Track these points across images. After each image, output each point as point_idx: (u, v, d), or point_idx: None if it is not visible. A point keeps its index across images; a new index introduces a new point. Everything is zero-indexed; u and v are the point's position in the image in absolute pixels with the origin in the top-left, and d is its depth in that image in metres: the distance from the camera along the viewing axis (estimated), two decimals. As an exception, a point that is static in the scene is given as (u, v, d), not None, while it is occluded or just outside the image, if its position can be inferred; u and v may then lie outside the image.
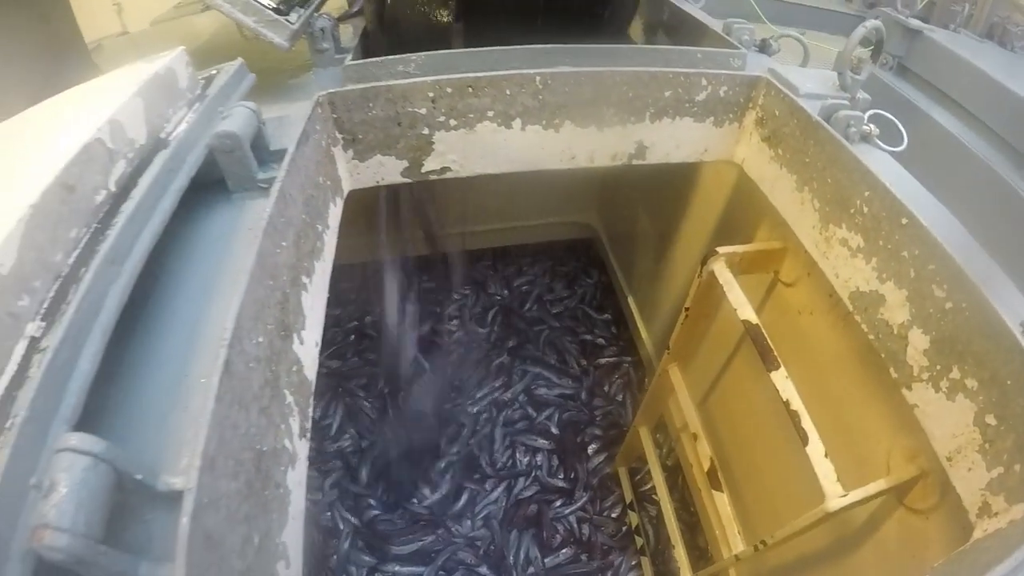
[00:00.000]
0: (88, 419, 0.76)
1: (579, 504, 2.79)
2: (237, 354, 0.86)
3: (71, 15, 2.22)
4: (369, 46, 1.93)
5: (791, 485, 1.77)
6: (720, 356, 2.12)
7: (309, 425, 1.13)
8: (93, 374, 0.78)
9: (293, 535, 0.99)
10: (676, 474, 2.61)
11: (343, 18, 2.06)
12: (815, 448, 1.33)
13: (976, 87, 2.23)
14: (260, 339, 0.96)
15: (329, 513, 2.73)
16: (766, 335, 1.50)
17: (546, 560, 2.65)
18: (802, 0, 4.12)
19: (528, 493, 2.84)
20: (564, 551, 2.68)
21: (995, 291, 1.11)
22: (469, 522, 2.74)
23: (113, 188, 0.98)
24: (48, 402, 0.72)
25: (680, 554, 2.22)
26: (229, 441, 0.80)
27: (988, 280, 1.13)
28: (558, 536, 2.72)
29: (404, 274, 2.89)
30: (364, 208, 2.53)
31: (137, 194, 1.00)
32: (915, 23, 2.55)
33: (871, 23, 1.53)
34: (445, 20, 1.93)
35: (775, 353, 1.46)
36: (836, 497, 1.27)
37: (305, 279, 1.22)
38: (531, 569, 2.64)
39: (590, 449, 3.00)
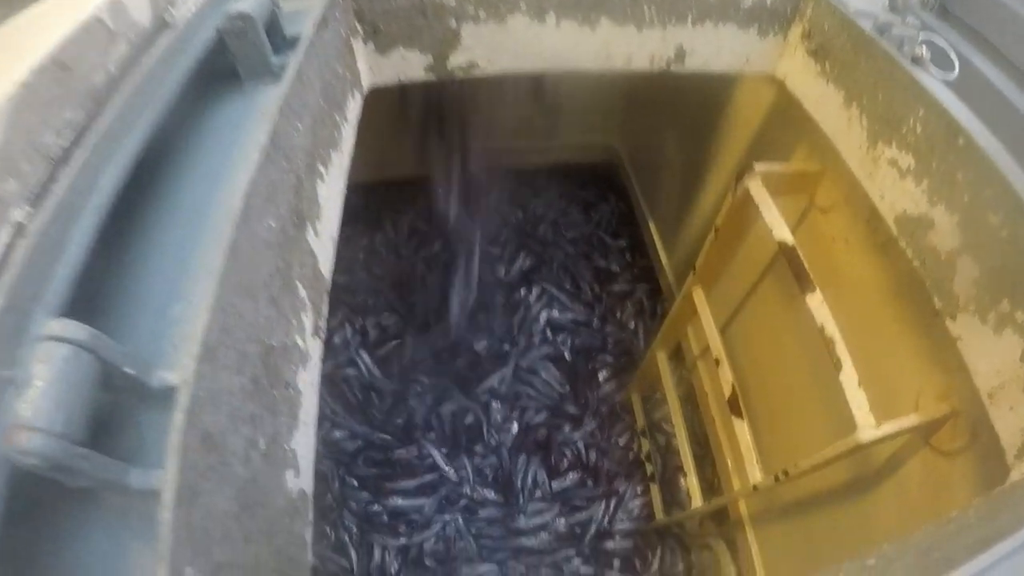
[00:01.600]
0: (79, 310, 0.69)
1: (587, 430, 2.78)
2: (245, 236, 0.79)
3: None
4: None
5: (815, 416, 1.72)
6: (746, 281, 2.05)
7: (324, 325, 1.08)
8: (83, 259, 0.72)
9: (304, 442, 0.94)
10: (686, 405, 2.56)
11: None
12: (849, 376, 1.26)
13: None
14: (271, 223, 0.89)
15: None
16: (801, 257, 1.42)
17: (553, 483, 2.65)
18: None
19: (538, 419, 2.81)
20: (571, 475, 2.67)
21: None
22: (480, 449, 2.75)
23: (113, 70, 0.90)
24: (30, 288, 0.66)
25: (692, 482, 2.20)
26: (233, 330, 0.74)
27: None
28: (565, 461, 2.72)
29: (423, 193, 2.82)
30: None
31: (139, 74, 0.92)
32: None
33: None
34: None
35: (811, 276, 1.39)
36: (869, 428, 1.21)
37: (322, 168, 1.15)
38: (538, 492, 2.64)
39: (600, 376, 2.96)
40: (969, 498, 1.22)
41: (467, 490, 2.62)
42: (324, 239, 1.14)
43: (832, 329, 1.32)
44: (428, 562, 2.50)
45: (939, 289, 1.17)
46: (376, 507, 2.56)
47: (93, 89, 0.85)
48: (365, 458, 2.67)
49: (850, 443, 1.25)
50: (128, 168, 0.83)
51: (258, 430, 0.80)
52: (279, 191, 0.94)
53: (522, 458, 2.70)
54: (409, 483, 2.61)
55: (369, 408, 2.79)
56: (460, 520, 2.55)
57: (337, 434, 2.71)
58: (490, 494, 2.62)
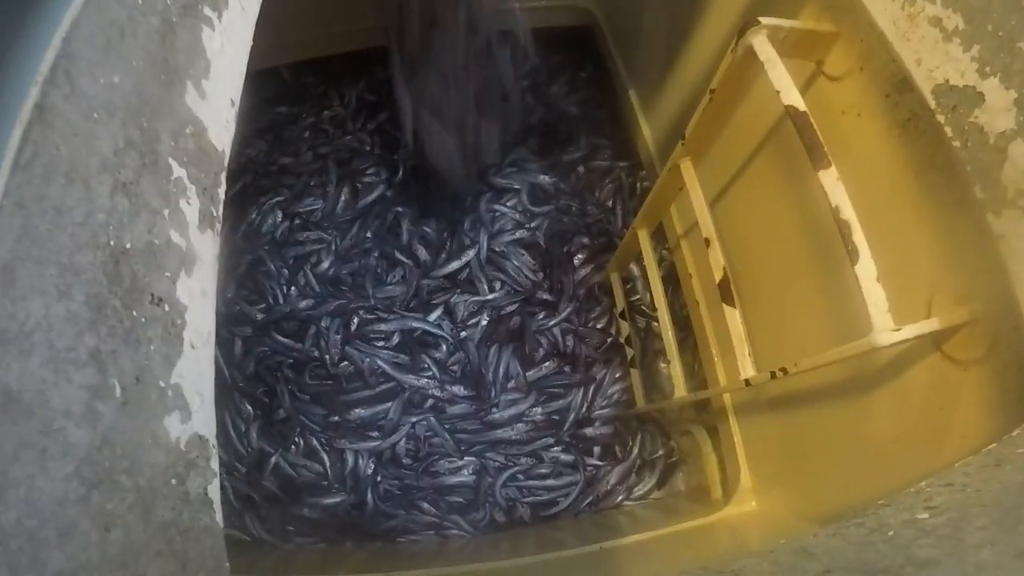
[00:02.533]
0: None
1: (564, 315, 2.64)
2: (65, 97, 0.59)
3: None
4: None
5: (815, 310, 1.59)
6: (741, 154, 1.84)
7: (219, 212, 0.87)
8: None
9: (193, 371, 0.76)
10: (668, 288, 2.42)
11: None
12: (866, 268, 1.11)
13: None
14: (115, 79, 0.68)
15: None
16: (814, 125, 1.24)
17: (528, 374, 2.55)
18: None
19: (511, 308, 2.67)
20: (547, 364, 2.57)
21: None
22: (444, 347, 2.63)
23: None
24: None
25: (675, 370, 2.10)
26: (47, 236, 0.56)
27: None
28: (541, 350, 2.61)
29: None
30: None
31: None
32: None
33: None
34: None
35: (825, 148, 1.21)
36: (886, 331, 1.07)
37: (209, 11, 0.91)
38: (511, 384, 2.54)
39: (576, 259, 2.80)
40: (977, 415, 1.11)
41: (434, 391, 2.51)
42: (216, 103, 0.92)
43: (849, 212, 1.16)
44: (405, 460, 2.45)
45: (984, 177, 1.00)
46: (336, 419, 2.48)
47: None
48: (311, 373, 2.56)
49: (864, 346, 1.11)
50: None
51: (108, 371, 0.63)
52: (128, 36, 0.72)
53: (493, 350, 2.58)
54: (367, 392, 2.50)
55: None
56: (432, 418, 2.47)
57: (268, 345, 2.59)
58: (459, 390, 2.52)
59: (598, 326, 2.69)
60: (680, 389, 2.05)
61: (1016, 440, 0.87)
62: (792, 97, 1.28)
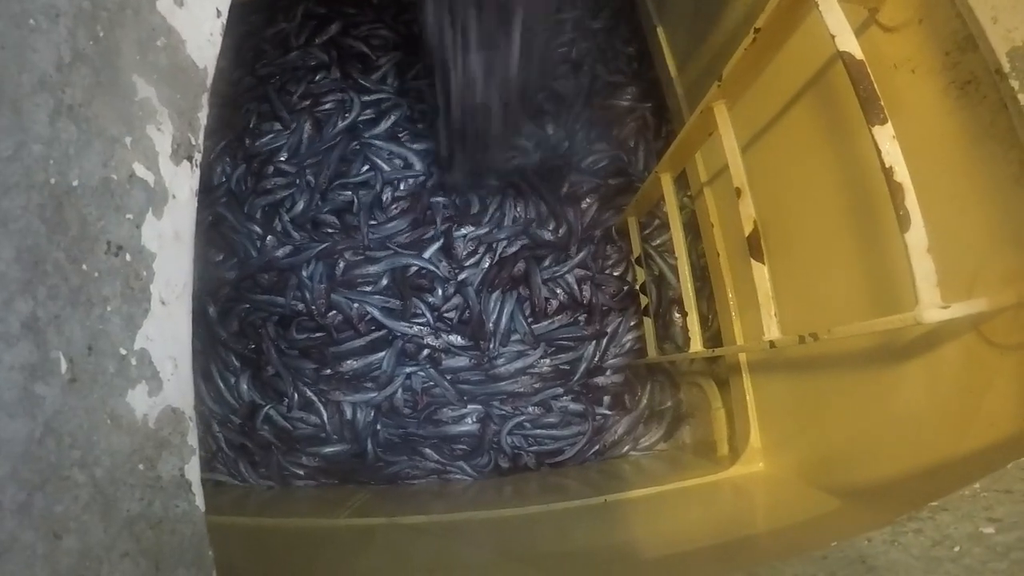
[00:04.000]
0: None
1: (576, 260, 2.56)
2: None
3: None
4: None
5: (853, 276, 1.51)
6: (780, 101, 1.74)
7: (199, 140, 0.76)
8: None
9: (163, 332, 0.66)
10: (687, 237, 2.35)
11: None
12: (917, 238, 1.04)
13: None
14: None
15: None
16: (871, 76, 1.15)
17: (537, 327, 2.47)
18: None
19: (513, 249, 2.56)
20: (559, 316, 2.50)
21: None
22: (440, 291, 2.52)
23: None
24: None
25: (692, 323, 2.03)
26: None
27: None
28: (554, 301, 2.53)
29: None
30: None
31: None
32: None
33: None
34: None
35: (882, 103, 1.12)
36: (934, 308, 1.01)
37: None
38: (515, 336, 2.46)
39: (592, 199, 2.71)
40: (1010, 403, 1.07)
41: (429, 339, 2.43)
42: (197, 11, 0.79)
43: (903, 174, 1.08)
44: (405, 410, 2.41)
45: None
46: (328, 371, 2.41)
47: None
48: (299, 327, 2.48)
49: (908, 320, 1.05)
50: None
51: (49, 343, 0.53)
52: None
53: (495, 297, 2.49)
54: (359, 342, 2.43)
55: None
56: (432, 369, 2.42)
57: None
58: (457, 340, 2.45)
59: (615, 273, 2.61)
60: (696, 343, 1.99)
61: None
62: (849, 43, 1.19)
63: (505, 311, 2.46)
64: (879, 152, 1.10)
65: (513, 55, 2.16)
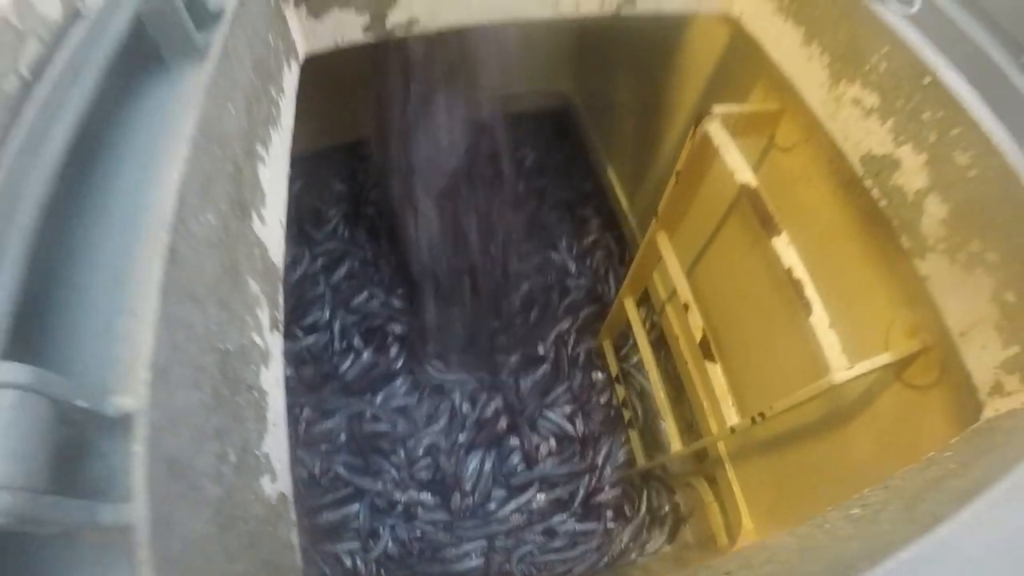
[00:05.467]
0: (16, 342, 0.62)
1: (564, 398, 2.73)
2: (183, 238, 0.74)
3: None
4: None
5: (788, 357, 1.73)
6: (710, 224, 2.03)
7: (281, 316, 1.04)
8: (14, 288, 0.64)
9: (276, 443, 0.91)
10: (659, 349, 2.57)
11: None
12: (819, 319, 1.26)
13: None
14: (211, 219, 0.84)
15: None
16: (765, 198, 1.41)
17: (529, 473, 2.57)
18: None
19: (491, 409, 2.67)
20: (551, 459, 2.60)
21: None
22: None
23: (26, 74, 0.82)
24: None
25: (670, 426, 2.21)
26: (184, 345, 0.70)
27: (1014, 149, 1.05)
28: (540, 445, 2.62)
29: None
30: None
31: (52, 74, 0.84)
32: None
33: None
34: None
35: (776, 218, 1.38)
36: (842, 370, 1.21)
37: (261, 149, 1.09)
38: (498, 490, 2.54)
39: (567, 334, 2.92)
40: (942, 430, 1.24)
41: (399, 495, 2.45)
42: (271, 225, 1.09)
43: (800, 271, 1.32)
44: (403, 554, 2.43)
45: (907, 229, 1.17)
46: (306, 522, 2.42)
47: (7, 97, 0.78)
48: None
49: (824, 385, 1.26)
50: (51, 178, 0.76)
51: (226, 443, 0.77)
52: (215, 182, 0.88)
53: (474, 455, 2.56)
54: (329, 497, 2.47)
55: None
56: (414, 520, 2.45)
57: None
58: (428, 498, 2.49)
59: (602, 400, 2.77)
60: (676, 444, 2.17)
61: (948, 448, 1.01)
62: (745, 176, 1.45)
63: (485, 469, 2.54)
64: (779, 258, 1.35)
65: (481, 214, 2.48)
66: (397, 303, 2.88)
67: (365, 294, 2.91)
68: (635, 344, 2.75)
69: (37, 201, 0.72)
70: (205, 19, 1.05)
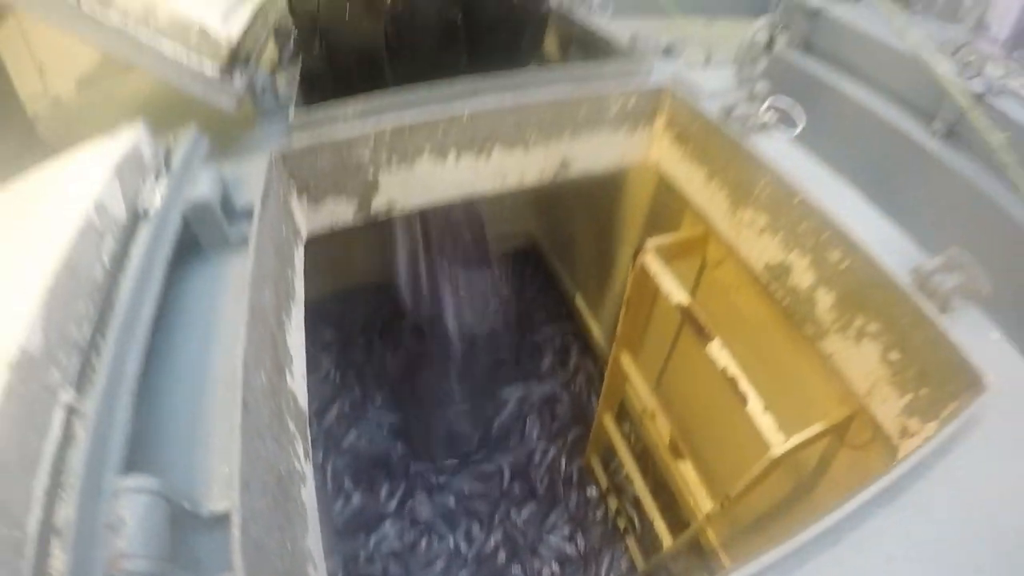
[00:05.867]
0: (137, 461, 0.89)
1: (559, 513, 2.88)
2: (249, 391, 0.99)
3: (10, 88, 2.24)
4: (306, 88, 2.01)
5: (746, 443, 1.94)
6: (666, 336, 2.31)
7: (309, 448, 1.27)
8: (129, 430, 0.91)
9: (314, 542, 1.13)
10: (647, 454, 2.76)
11: (276, 70, 2.14)
12: (754, 406, 1.51)
13: (870, 53, 2.40)
14: (262, 378, 1.09)
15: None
16: (697, 313, 1.68)
17: None
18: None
19: (491, 543, 2.81)
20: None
21: (887, 244, 1.32)
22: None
23: (107, 264, 1.10)
24: (99, 457, 0.85)
25: (660, 526, 2.38)
26: (255, 466, 0.94)
27: (880, 235, 1.34)
28: (541, 570, 2.73)
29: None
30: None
31: (132, 268, 1.13)
32: (816, 2, 2.67)
33: (761, 22, 1.75)
34: (378, 59, 2.00)
35: (707, 328, 1.64)
36: (779, 445, 1.45)
37: (287, 320, 1.36)
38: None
39: (562, 457, 3.10)
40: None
41: None
42: (298, 379, 1.35)
43: (734, 370, 1.58)
44: None
45: (807, 319, 1.44)
46: None
47: (96, 283, 1.05)
48: None
49: (766, 461, 1.49)
50: (145, 349, 1.03)
51: (285, 535, 0.99)
52: (262, 350, 1.15)
53: None
54: None
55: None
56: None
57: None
58: None
59: (597, 515, 2.90)
60: (667, 541, 2.33)
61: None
62: (680, 297, 1.74)
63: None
64: (715, 361, 1.61)
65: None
66: (387, 434, 3.11)
67: (355, 432, 3.11)
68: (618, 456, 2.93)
69: (137, 366, 0.98)
70: (236, 217, 1.36)
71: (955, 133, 2.26)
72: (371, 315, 3.57)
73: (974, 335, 1.19)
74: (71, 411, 0.87)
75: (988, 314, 1.26)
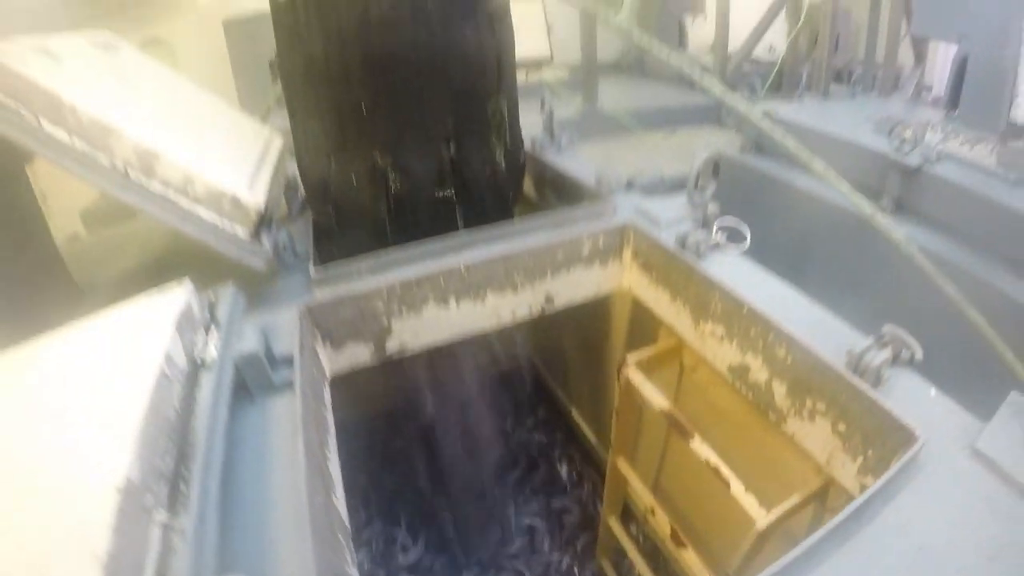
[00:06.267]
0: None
1: None
2: (313, 510, 1.22)
3: (50, 240, 2.39)
4: (315, 236, 2.29)
5: (739, 522, 2.13)
6: (657, 438, 2.56)
7: (355, 558, 1.48)
8: (217, 541, 1.14)
9: None
10: (657, 552, 2.92)
11: (286, 220, 2.44)
12: (736, 488, 1.75)
13: (813, 144, 2.59)
14: (318, 498, 1.33)
15: None
16: (677, 416, 1.94)
17: None
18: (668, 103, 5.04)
19: None
20: None
21: (825, 333, 1.60)
22: None
23: (177, 406, 1.34)
24: (200, 562, 1.07)
25: (676, 618, 2.55)
26: (326, 568, 1.16)
27: (819, 327, 1.63)
28: None
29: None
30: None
31: (202, 411, 1.37)
32: (759, 111, 2.92)
33: (705, 156, 2.08)
34: (381, 220, 2.27)
35: (688, 427, 1.90)
36: (762, 518, 1.67)
37: (327, 450, 1.60)
38: None
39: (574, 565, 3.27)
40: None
41: None
42: (340, 500, 1.57)
43: (715, 460, 1.82)
44: None
45: (770, 408, 1.71)
46: None
47: (171, 423, 1.29)
48: None
49: (753, 535, 1.71)
50: (220, 472, 1.27)
51: None
52: (315, 477, 1.37)
53: None
54: None
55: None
56: None
57: None
58: None
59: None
60: (684, 632, 2.49)
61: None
62: (660, 403, 2.01)
63: None
64: (696, 455, 1.86)
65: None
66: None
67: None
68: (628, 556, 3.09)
69: (217, 496, 1.22)
70: (276, 364, 1.61)
71: (903, 206, 2.61)
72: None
73: (909, 396, 1.45)
74: (166, 528, 1.10)
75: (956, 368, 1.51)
